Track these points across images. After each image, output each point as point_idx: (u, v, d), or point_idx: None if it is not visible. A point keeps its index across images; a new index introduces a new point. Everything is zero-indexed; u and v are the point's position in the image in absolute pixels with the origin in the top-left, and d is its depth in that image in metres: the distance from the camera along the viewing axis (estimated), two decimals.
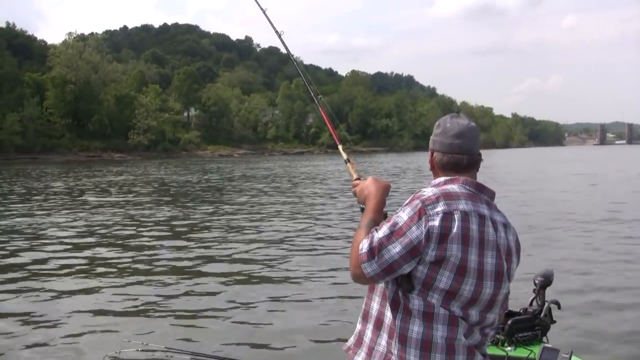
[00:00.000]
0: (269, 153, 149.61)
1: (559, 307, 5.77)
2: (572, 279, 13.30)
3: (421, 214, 2.96)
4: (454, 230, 2.97)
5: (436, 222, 2.95)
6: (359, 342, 3.27)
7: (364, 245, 2.99)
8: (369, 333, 3.20)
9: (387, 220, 3.08)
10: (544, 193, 34.80)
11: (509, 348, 5.29)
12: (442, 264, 2.97)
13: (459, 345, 3.04)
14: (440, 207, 2.98)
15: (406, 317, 3.03)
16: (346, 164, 3.92)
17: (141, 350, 5.19)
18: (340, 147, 4.09)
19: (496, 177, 47.84)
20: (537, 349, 5.15)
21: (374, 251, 2.96)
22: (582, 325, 10.09)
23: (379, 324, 3.15)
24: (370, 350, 3.17)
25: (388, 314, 3.10)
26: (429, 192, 3.06)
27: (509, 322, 5.33)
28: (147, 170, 68.63)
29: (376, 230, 3.02)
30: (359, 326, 3.29)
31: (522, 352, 5.24)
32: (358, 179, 3.59)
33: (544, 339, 5.49)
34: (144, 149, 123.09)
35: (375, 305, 3.20)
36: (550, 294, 5.83)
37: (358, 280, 3.07)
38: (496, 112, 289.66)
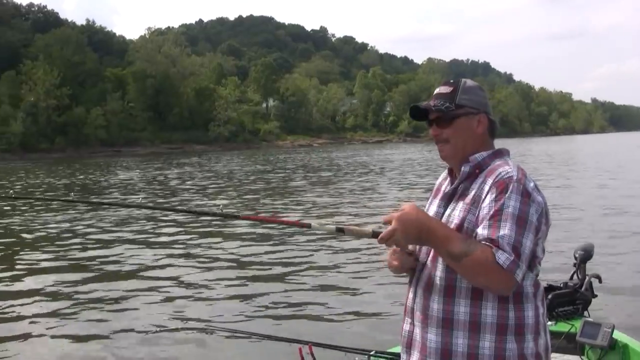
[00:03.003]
0: (348, 142, 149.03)
1: (600, 281, 5.71)
2: (614, 253, 13.19)
3: (528, 194, 2.78)
4: (545, 199, 2.88)
5: (539, 198, 2.83)
6: (446, 355, 2.86)
7: (504, 257, 2.64)
8: (464, 341, 2.83)
9: (493, 218, 2.74)
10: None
11: (549, 323, 5.15)
12: (541, 237, 2.87)
13: (545, 320, 2.98)
14: (531, 182, 2.86)
15: (518, 305, 2.82)
16: (342, 232, 3.09)
17: (181, 328, 5.33)
18: (314, 224, 3.24)
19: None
20: (578, 324, 5.12)
21: (518, 253, 2.67)
22: (624, 299, 9.98)
23: (475, 327, 2.82)
24: (474, 358, 2.82)
25: (488, 312, 2.80)
26: (512, 170, 2.86)
27: (550, 296, 5.28)
28: (232, 160, 69.11)
29: (499, 233, 2.70)
30: (440, 338, 2.88)
31: (562, 326, 5.22)
32: (374, 231, 2.98)
33: (585, 313, 5.44)
34: (224, 141, 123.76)
35: (462, 309, 2.84)
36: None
37: (510, 292, 2.76)
38: (575, 97, 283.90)
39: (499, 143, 3.12)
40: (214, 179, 40.98)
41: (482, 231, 2.75)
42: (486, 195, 2.84)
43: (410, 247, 3.04)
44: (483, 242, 2.70)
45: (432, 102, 3.07)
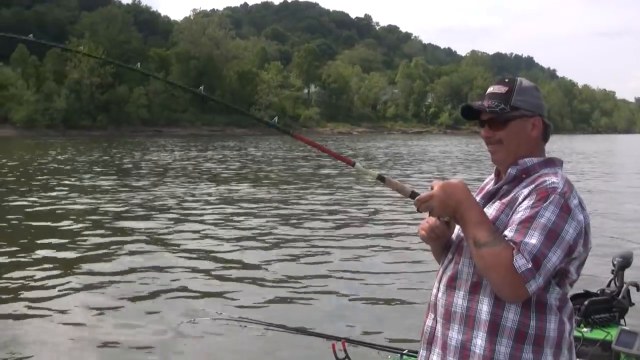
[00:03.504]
0: (387, 132, 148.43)
1: (638, 289, 5.63)
2: None
3: (568, 210, 2.67)
4: (588, 220, 2.76)
5: (581, 217, 2.70)
6: (465, 355, 2.79)
7: (521, 262, 2.57)
8: (480, 342, 2.74)
9: (523, 223, 2.67)
10: None
11: (585, 329, 5.21)
12: (577, 258, 2.75)
13: (572, 338, 2.86)
14: (576, 199, 2.72)
15: (541, 315, 2.72)
16: (383, 181, 3.03)
17: (215, 319, 5.34)
18: (359, 165, 3.14)
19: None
20: (614, 331, 5.06)
21: (537, 264, 2.58)
22: None
23: (494, 329, 2.72)
24: None
25: (510, 315, 2.71)
26: (559, 182, 2.74)
27: (586, 302, 5.26)
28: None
29: (524, 239, 2.62)
30: (460, 336, 2.82)
31: (598, 333, 5.16)
32: (413, 192, 2.94)
33: (622, 321, 5.40)
34: (264, 125, 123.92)
35: (485, 308, 2.75)
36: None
37: (517, 300, 2.68)
38: (618, 96, 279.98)
39: None
40: (250, 163, 41.23)
41: (508, 233, 2.68)
42: (524, 199, 2.75)
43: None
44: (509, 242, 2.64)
45: (486, 102, 2.96)
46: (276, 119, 3.66)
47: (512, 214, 2.76)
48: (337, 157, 3.24)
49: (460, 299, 2.84)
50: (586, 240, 2.75)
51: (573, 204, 2.70)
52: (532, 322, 2.71)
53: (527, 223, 2.65)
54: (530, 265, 2.56)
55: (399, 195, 2.98)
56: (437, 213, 2.84)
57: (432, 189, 2.81)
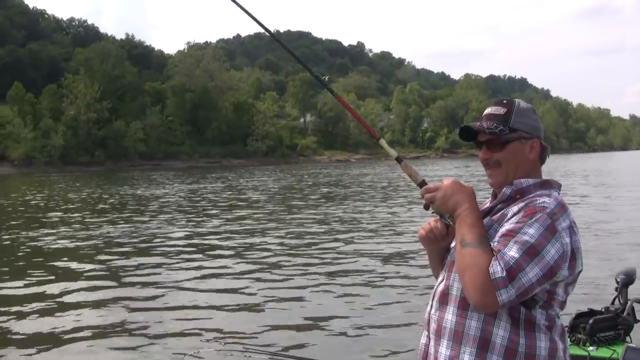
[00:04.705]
0: (385, 158, 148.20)
1: None
2: None
3: (553, 230, 2.64)
4: (578, 245, 2.74)
5: (567, 240, 2.67)
6: None
7: (497, 269, 2.55)
8: (468, 358, 2.72)
9: (505, 236, 2.67)
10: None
11: (590, 348, 5.17)
12: (563, 280, 2.73)
13: (567, 356, 2.83)
14: (565, 222, 2.70)
15: (530, 333, 2.70)
16: (399, 163, 3.10)
17: (220, 350, 5.33)
18: (382, 141, 3.20)
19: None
20: (620, 349, 5.03)
21: (512, 275, 2.54)
22: None
23: (483, 345, 2.70)
24: None
25: (500, 332, 2.69)
26: (550, 203, 2.73)
27: (591, 321, 5.23)
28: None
29: (503, 249, 2.61)
30: (448, 352, 2.80)
31: (604, 352, 5.13)
32: (423, 180, 2.98)
33: (628, 338, 5.35)
34: (262, 155, 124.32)
35: (474, 324, 2.74)
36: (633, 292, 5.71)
37: (484, 309, 2.66)
38: (613, 113, 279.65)
39: None
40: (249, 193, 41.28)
41: (491, 244, 2.68)
42: (512, 216, 2.75)
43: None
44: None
45: (485, 123, 2.94)
46: (327, 78, 3.67)
47: (499, 229, 2.75)
48: (365, 126, 3.44)
49: (450, 315, 2.82)
50: (573, 264, 2.72)
51: (561, 226, 2.68)
52: (522, 339, 2.68)
53: (509, 236, 2.64)
54: (504, 274, 2.54)
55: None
56: (437, 205, 2.85)
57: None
